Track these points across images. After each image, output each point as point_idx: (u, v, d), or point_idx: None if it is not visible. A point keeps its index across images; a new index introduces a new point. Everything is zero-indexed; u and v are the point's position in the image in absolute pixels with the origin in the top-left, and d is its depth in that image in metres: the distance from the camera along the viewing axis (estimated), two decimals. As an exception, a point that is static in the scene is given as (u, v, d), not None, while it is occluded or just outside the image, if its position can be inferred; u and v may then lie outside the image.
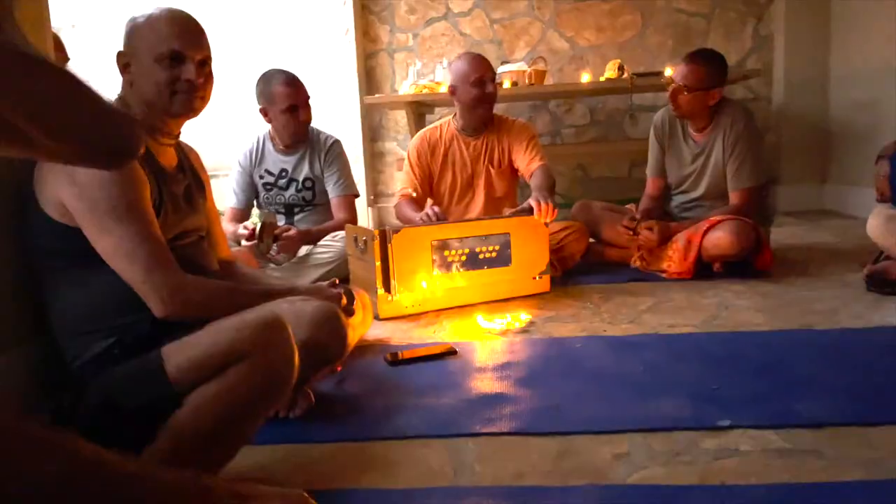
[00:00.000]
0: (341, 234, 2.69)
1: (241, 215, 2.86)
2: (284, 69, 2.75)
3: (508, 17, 4.51)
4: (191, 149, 1.55)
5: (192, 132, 1.52)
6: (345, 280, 2.23)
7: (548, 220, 2.45)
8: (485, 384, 1.64)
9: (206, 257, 1.46)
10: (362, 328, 1.94)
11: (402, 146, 4.61)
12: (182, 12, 1.36)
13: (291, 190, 2.85)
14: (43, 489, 0.74)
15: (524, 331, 2.09)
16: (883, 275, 2.26)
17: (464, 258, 2.38)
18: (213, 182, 1.60)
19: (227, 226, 2.64)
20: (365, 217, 4.36)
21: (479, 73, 2.67)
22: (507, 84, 3.83)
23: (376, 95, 4.39)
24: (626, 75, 3.84)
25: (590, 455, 1.25)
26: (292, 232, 2.60)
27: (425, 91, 3.92)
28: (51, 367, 1.31)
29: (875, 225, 2.36)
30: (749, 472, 1.16)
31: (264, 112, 2.74)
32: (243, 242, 2.59)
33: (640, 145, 3.37)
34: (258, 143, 2.88)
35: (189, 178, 1.46)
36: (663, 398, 1.48)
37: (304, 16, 4.38)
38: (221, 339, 1.10)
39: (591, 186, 4.61)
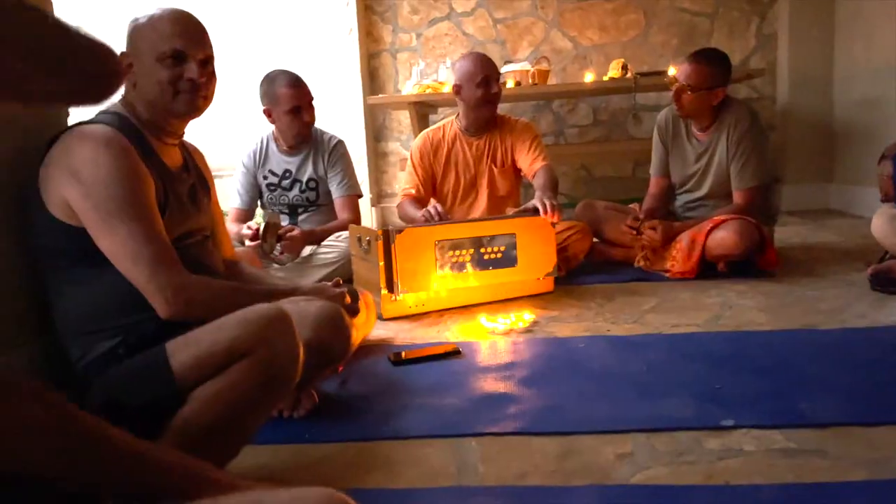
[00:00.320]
0: (345, 234, 2.69)
1: (245, 216, 2.87)
2: (288, 70, 2.75)
3: (511, 17, 4.51)
4: (195, 149, 1.55)
5: (196, 132, 1.52)
6: (348, 280, 2.23)
7: (555, 221, 2.44)
8: (488, 384, 1.64)
9: (210, 257, 1.46)
10: (366, 328, 1.94)
11: (405, 146, 4.61)
12: (184, 12, 1.36)
13: (295, 190, 2.85)
14: (51, 458, 0.78)
15: (527, 331, 2.08)
16: (887, 274, 2.25)
17: (468, 259, 2.38)
18: (217, 182, 1.60)
19: (231, 226, 2.65)
20: (368, 217, 4.37)
21: (484, 73, 2.67)
22: (510, 84, 3.83)
23: (379, 96, 4.40)
24: (629, 75, 3.84)
25: (593, 455, 1.25)
26: (296, 232, 2.60)
27: (428, 91, 3.91)
28: (55, 367, 1.31)
29: (879, 224, 2.36)
30: (753, 472, 1.16)
31: (268, 113, 2.74)
32: (247, 243, 2.59)
33: (643, 145, 3.37)
34: (262, 143, 2.89)
35: (193, 177, 1.46)
36: (667, 398, 1.48)
37: (307, 16, 4.38)
38: (224, 335, 1.10)
39: (595, 186, 4.61)
